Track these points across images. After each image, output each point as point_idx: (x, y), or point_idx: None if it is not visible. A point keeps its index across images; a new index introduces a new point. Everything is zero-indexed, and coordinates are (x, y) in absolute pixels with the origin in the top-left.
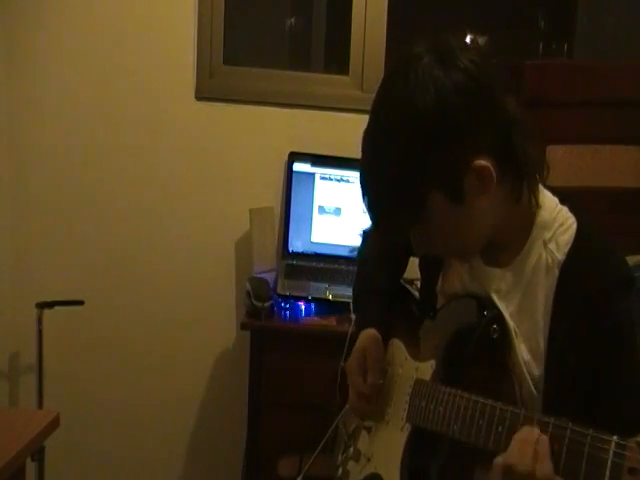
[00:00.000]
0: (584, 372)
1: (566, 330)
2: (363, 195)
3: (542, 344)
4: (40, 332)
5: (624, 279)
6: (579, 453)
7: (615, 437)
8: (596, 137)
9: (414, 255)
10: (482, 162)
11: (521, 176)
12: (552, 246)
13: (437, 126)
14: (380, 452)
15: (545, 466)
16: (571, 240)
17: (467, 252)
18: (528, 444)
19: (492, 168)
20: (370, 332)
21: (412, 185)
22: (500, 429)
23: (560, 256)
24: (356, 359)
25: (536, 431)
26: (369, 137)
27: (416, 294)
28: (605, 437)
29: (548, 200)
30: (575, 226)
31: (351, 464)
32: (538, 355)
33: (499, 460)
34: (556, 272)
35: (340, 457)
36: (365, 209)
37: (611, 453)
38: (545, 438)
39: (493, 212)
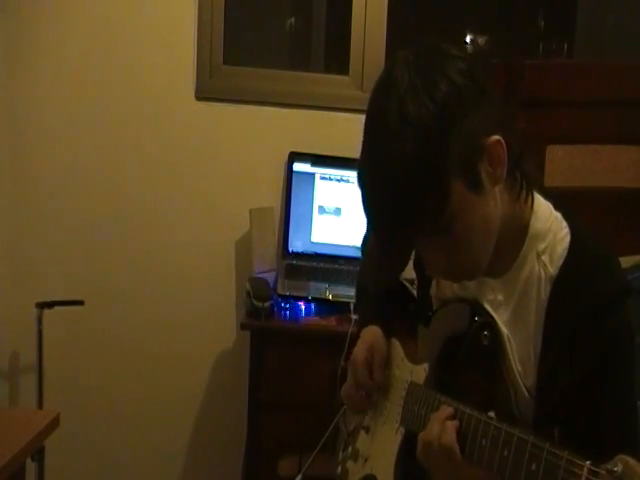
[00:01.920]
0: (577, 386)
1: (559, 346)
2: (372, 207)
3: (532, 357)
4: (40, 332)
5: (618, 293)
6: (554, 475)
7: (588, 462)
8: (596, 137)
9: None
10: (494, 137)
11: (520, 169)
12: (545, 258)
13: (447, 117)
14: (376, 453)
15: (447, 435)
16: (565, 253)
17: (481, 264)
18: (439, 419)
19: (503, 144)
20: (376, 329)
21: (434, 176)
22: (484, 442)
23: (553, 270)
24: (363, 352)
25: (449, 410)
26: (373, 152)
27: (415, 293)
28: (578, 462)
29: (542, 208)
30: (569, 238)
31: (350, 463)
32: (529, 366)
33: (420, 435)
34: (548, 287)
35: (340, 455)
36: (375, 224)
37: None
38: (455, 422)
39: (500, 208)
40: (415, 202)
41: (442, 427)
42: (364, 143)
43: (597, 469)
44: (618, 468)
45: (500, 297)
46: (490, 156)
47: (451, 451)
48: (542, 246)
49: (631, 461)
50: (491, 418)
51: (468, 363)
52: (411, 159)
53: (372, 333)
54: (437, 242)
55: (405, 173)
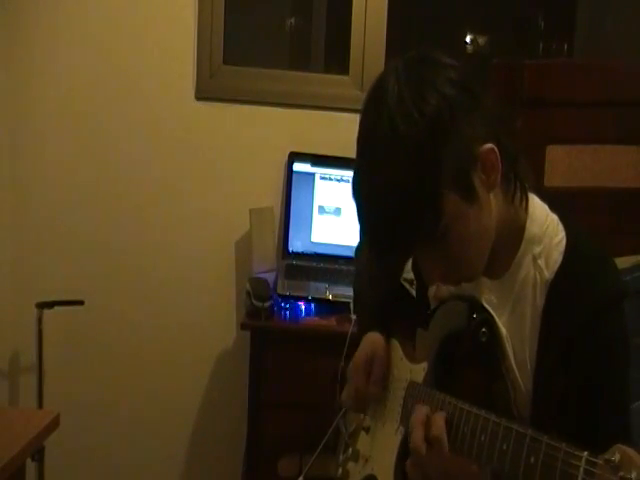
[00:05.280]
0: (573, 390)
1: (556, 351)
2: (368, 223)
3: (528, 361)
4: (40, 332)
5: (614, 298)
6: (553, 468)
7: (586, 453)
8: (596, 137)
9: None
10: (487, 146)
11: (514, 170)
12: (541, 262)
13: (438, 129)
14: (377, 454)
15: (437, 428)
16: (560, 257)
17: (479, 267)
18: (418, 425)
19: (497, 152)
20: (377, 337)
21: (428, 193)
22: (483, 438)
23: (549, 274)
24: (363, 359)
25: (425, 409)
26: (369, 165)
27: (414, 293)
28: (576, 453)
29: (538, 210)
30: (565, 242)
31: (350, 465)
32: (524, 371)
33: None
34: (544, 291)
35: (341, 457)
36: (371, 240)
37: (581, 470)
38: (442, 413)
39: (495, 213)
40: (410, 219)
41: (429, 420)
42: (357, 158)
43: (595, 459)
44: (615, 457)
45: (496, 300)
46: (484, 164)
47: (441, 443)
48: (538, 250)
49: (628, 450)
50: (489, 413)
51: (467, 361)
52: (404, 179)
53: (373, 341)
54: (433, 251)
55: (399, 193)
